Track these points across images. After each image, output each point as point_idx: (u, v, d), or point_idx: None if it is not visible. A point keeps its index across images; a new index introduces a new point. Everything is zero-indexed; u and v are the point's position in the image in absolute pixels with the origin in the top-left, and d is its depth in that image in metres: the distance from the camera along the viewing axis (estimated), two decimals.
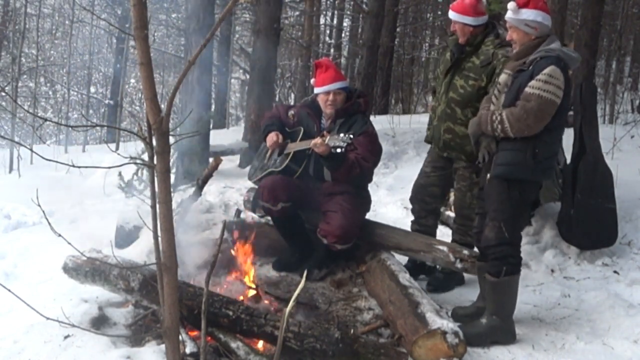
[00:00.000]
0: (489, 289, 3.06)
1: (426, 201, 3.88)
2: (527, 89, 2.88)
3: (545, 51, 2.93)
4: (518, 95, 2.93)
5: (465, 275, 3.76)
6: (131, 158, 2.28)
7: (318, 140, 3.45)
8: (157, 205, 2.02)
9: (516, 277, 3.04)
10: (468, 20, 3.51)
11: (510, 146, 2.96)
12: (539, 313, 3.39)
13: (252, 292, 3.27)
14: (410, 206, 4.02)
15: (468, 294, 3.62)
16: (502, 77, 3.10)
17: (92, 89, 17.12)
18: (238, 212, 4.21)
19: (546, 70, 2.85)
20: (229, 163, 7.56)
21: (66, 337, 2.77)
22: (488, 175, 3.03)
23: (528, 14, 2.96)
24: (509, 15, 3.03)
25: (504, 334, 3.02)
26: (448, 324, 2.71)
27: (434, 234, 3.91)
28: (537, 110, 2.85)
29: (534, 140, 2.91)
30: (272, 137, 3.80)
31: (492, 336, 3.00)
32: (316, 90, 3.76)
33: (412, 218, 4.02)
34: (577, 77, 8.17)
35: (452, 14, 3.58)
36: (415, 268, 3.80)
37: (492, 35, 3.56)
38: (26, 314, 2.59)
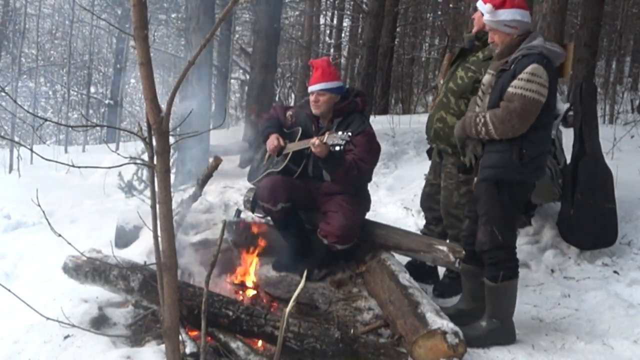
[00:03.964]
0: (487, 293, 3.03)
1: (434, 209, 3.88)
2: (510, 89, 2.83)
3: (527, 49, 2.87)
4: (501, 95, 2.89)
5: None
6: (131, 158, 2.28)
7: (316, 140, 3.45)
8: (157, 205, 2.02)
9: (514, 280, 3.02)
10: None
11: (496, 148, 2.92)
12: (539, 313, 3.39)
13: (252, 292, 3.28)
14: (410, 206, 4.03)
15: None
16: (486, 78, 3.07)
17: (92, 89, 17.11)
18: (238, 212, 4.21)
19: (528, 69, 2.80)
20: (229, 163, 7.56)
21: (66, 337, 2.77)
22: (475, 179, 3.00)
23: (506, 14, 2.92)
24: (486, 18, 3.00)
25: (504, 336, 3.01)
26: (448, 324, 2.71)
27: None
28: (520, 111, 2.80)
29: (520, 141, 2.86)
30: (273, 142, 3.79)
31: (492, 338, 2.99)
32: (308, 90, 3.78)
33: (422, 221, 4.02)
34: (577, 77, 8.18)
35: (480, 4, 3.51)
36: (415, 272, 3.74)
37: None
38: (26, 314, 2.59)
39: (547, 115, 2.89)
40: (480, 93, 3.10)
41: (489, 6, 2.94)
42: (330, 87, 3.70)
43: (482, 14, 3.49)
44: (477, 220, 3.09)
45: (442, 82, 3.77)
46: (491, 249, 2.96)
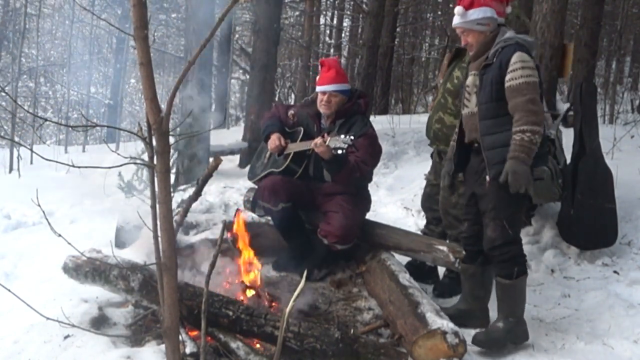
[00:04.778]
0: (501, 291, 3.01)
1: (435, 209, 3.88)
2: (511, 83, 2.85)
3: (504, 41, 2.94)
4: (492, 88, 2.91)
5: None
6: (131, 158, 2.28)
7: (318, 140, 3.45)
8: (157, 205, 2.02)
9: (526, 276, 3.03)
10: None
11: (500, 142, 2.91)
12: (539, 313, 3.39)
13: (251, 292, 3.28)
14: (410, 206, 4.03)
15: None
16: (469, 80, 3.09)
17: (92, 89, 17.11)
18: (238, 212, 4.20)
19: (515, 58, 2.85)
20: (229, 163, 7.56)
21: (66, 337, 2.77)
22: (487, 178, 2.95)
23: (477, 13, 2.99)
24: (457, 21, 3.05)
25: (521, 334, 2.99)
26: (448, 324, 2.71)
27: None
28: (534, 95, 2.83)
29: None
30: (274, 141, 3.79)
31: (511, 339, 2.97)
32: (316, 88, 3.78)
33: (422, 221, 4.02)
34: (577, 77, 8.19)
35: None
36: (415, 272, 3.73)
37: None
38: (26, 314, 2.59)
39: (541, 94, 2.94)
40: (466, 94, 3.11)
41: (458, 9, 3.01)
42: (343, 89, 3.73)
43: None
44: (477, 221, 3.09)
45: (441, 82, 3.79)
46: (503, 244, 2.95)
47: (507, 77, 2.86)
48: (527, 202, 3.08)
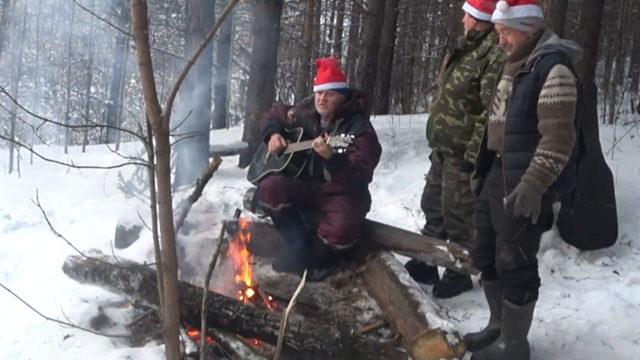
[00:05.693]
0: (507, 314, 2.87)
1: (434, 209, 3.88)
2: (546, 100, 2.58)
3: (544, 48, 2.65)
4: (525, 101, 2.65)
5: (473, 279, 3.73)
6: (131, 158, 2.28)
7: (319, 140, 3.45)
8: (157, 205, 2.02)
9: (536, 300, 2.87)
10: (472, 11, 3.53)
11: (520, 163, 2.65)
12: (539, 313, 3.38)
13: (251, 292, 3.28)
14: (410, 206, 4.03)
15: (476, 299, 3.59)
16: (501, 84, 2.87)
17: (92, 89, 17.12)
18: (238, 212, 4.21)
19: (554, 72, 2.57)
20: (229, 163, 7.57)
21: (66, 337, 2.77)
22: (505, 200, 2.69)
23: (522, 10, 2.68)
24: (498, 16, 2.73)
25: (521, 356, 2.88)
26: (448, 324, 2.71)
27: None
28: (569, 119, 2.57)
29: None
30: (274, 142, 3.79)
31: None
32: (314, 88, 3.78)
33: (422, 221, 4.01)
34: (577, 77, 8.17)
35: (466, 6, 3.59)
36: (415, 272, 3.71)
37: (493, 31, 3.56)
38: (26, 314, 2.59)
39: (577, 115, 2.66)
40: (495, 100, 2.89)
41: (502, 4, 2.71)
42: (339, 88, 3.72)
43: (470, 16, 3.53)
44: (487, 231, 2.92)
45: (441, 82, 3.79)
46: (516, 270, 2.78)
47: (542, 93, 2.59)
48: (545, 226, 2.86)
